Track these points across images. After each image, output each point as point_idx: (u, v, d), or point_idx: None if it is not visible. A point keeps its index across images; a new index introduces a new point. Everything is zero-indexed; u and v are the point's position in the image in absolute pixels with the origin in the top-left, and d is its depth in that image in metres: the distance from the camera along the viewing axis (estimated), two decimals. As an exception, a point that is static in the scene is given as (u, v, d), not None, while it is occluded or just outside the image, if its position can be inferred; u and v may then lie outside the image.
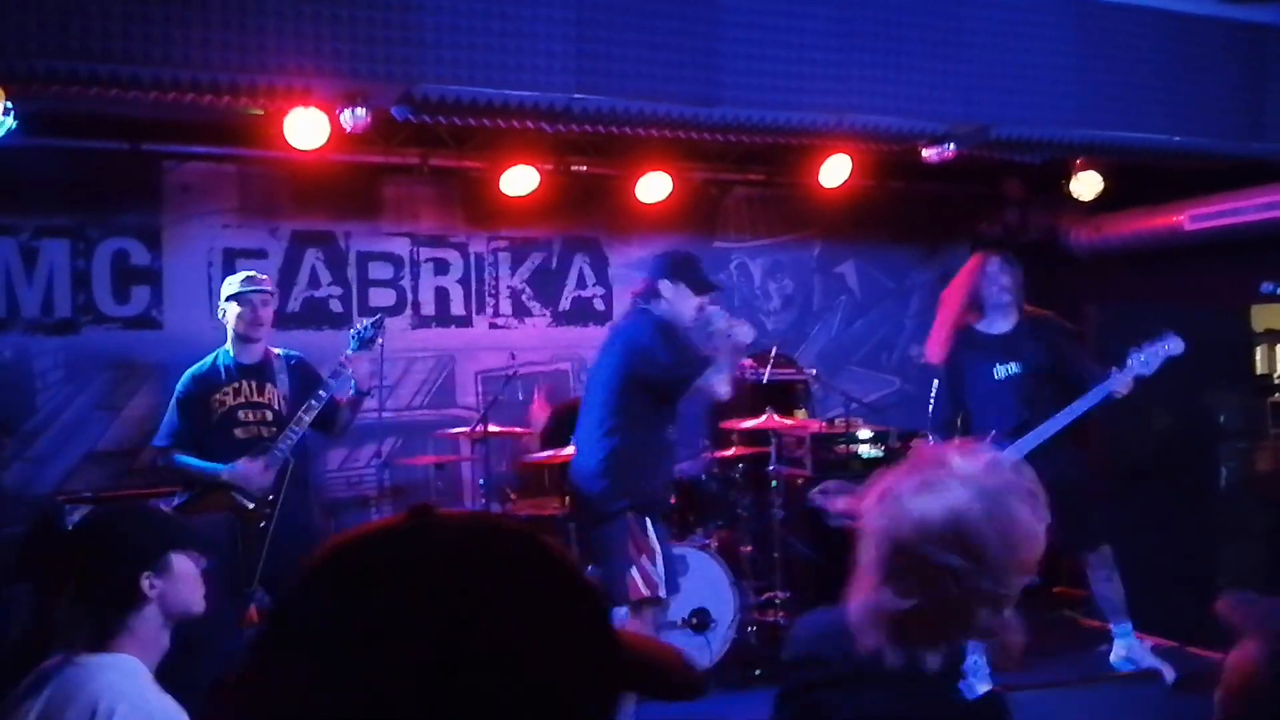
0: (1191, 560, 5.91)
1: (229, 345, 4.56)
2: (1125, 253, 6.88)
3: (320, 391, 4.40)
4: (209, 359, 4.57)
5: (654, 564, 4.08)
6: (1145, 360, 4.58)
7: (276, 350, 4.66)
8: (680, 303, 4.18)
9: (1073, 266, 7.07)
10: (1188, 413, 6.32)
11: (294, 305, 6.24)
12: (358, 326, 4.66)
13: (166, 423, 4.55)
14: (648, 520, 4.15)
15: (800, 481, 6.28)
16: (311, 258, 6.33)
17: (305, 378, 4.59)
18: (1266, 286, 4.75)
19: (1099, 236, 6.97)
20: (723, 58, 4.14)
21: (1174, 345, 4.61)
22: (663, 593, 4.15)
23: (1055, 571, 6.23)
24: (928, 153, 4.88)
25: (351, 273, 6.42)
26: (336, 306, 6.34)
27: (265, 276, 4.68)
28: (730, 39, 4.14)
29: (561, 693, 0.73)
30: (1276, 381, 8.15)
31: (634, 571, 4.05)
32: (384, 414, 6.17)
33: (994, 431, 4.78)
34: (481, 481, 5.74)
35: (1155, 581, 4.98)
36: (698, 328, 4.20)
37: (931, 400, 4.97)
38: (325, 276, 6.36)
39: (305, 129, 4.67)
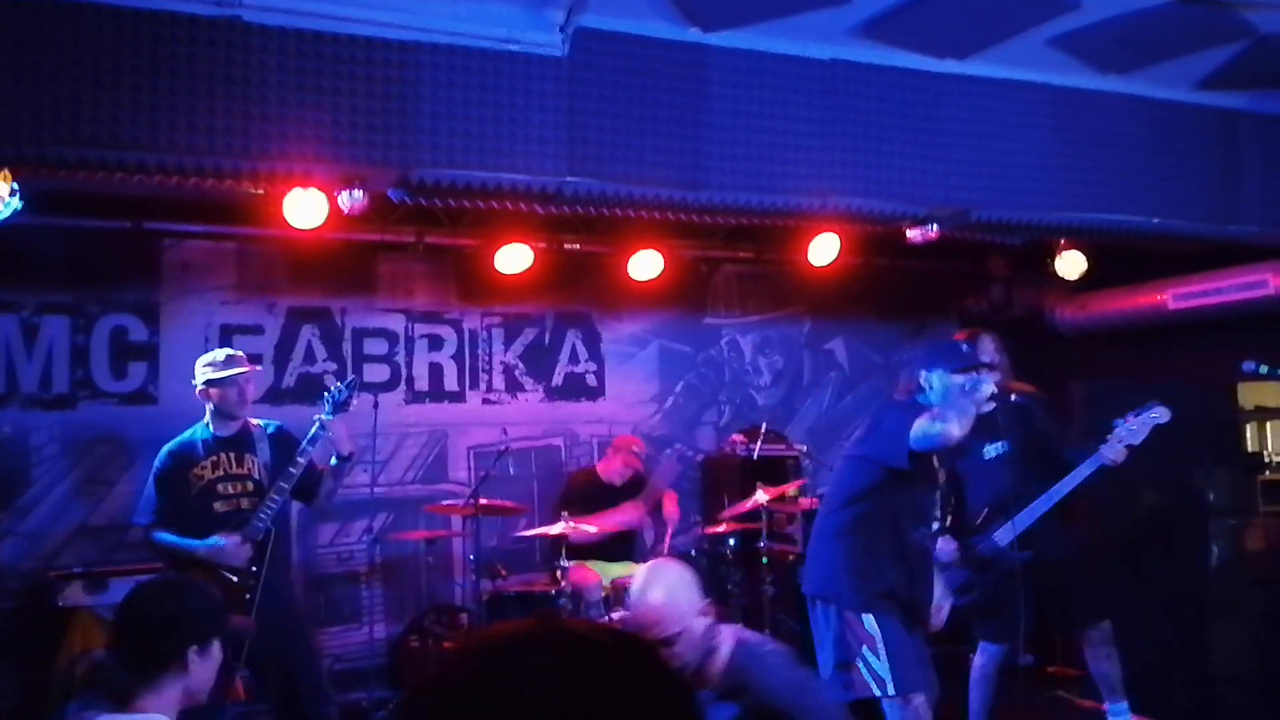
0: (1182, 639, 5.89)
1: (208, 420, 4.52)
2: (1110, 330, 6.98)
3: (298, 458, 4.37)
4: (187, 434, 4.53)
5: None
6: (1134, 429, 4.62)
7: (255, 421, 4.62)
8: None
9: (1058, 344, 7.16)
10: (1176, 491, 6.34)
11: (289, 380, 6.31)
12: (332, 389, 4.61)
13: (146, 499, 4.51)
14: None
15: (790, 558, 6.28)
16: (307, 334, 6.42)
17: (285, 446, 4.55)
18: (1248, 365, 4.80)
19: (1084, 314, 7.08)
20: (709, 143, 4.26)
21: (1160, 414, 4.66)
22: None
23: (1049, 651, 6.21)
24: (911, 233, 4.99)
25: (347, 348, 6.51)
26: (331, 381, 6.38)
27: (242, 354, 4.64)
28: (716, 125, 4.27)
29: None
30: (1267, 460, 8.20)
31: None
32: (376, 489, 6.19)
33: (986, 510, 4.82)
34: (472, 557, 5.74)
35: (1145, 661, 4.97)
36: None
37: None
38: (321, 352, 6.44)
39: (304, 209, 4.77)
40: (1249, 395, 7.58)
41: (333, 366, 6.44)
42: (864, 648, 3.93)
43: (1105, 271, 6.52)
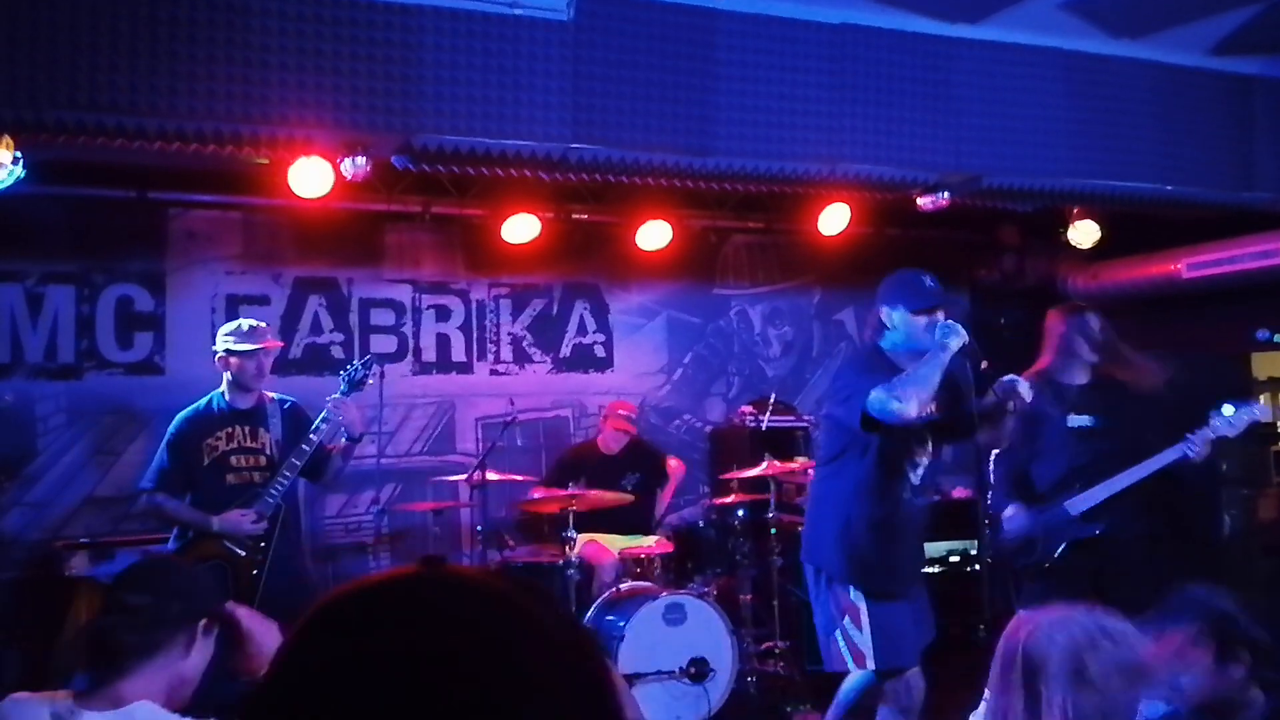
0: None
1: (224, 390, 4.50)
2: (1123, 299, 6.91)
3: (311, 436, 4.36)
4: (202, 402, 4.51)
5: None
6: (1232, 423, 4.53)
7: (271, 395, 4.59)
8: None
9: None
10: (1189, 460, 6.30)
11: (295, 351, 6.29)
12: (348, 368, 4.61)
13: (155, 465, 4.45)
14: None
15: (799, 529, 6.25)
16: (314, 304, 6.40)
17: (298, 423, 4.54)
18: (1262, 334, 4.76)
19: (1096, 283, 7.01)
20: (716, 109, 4.21)
21: (1261, 412, 4.58)
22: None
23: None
24: (922, 201, 4.94)
25: (353, 319, 6.48)
26: (338, 353, 6.39)
27: (267, 325, 4.64)
28: (724, 90, 4.22)
29: None
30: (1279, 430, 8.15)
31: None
32: (383, 460, 6.19)
33: (1058, 479, 4.74)
34: (479, 527, 5.74)
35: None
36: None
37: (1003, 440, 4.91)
38: (327, 323, 6.42)
39: (309, 178, 4.74)
40: (1263, 366, 7.52)
41: (340, 338, 6.42)
42: (846, 618, 3.88)
43: (1118, 240, 6.46)
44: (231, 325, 4.53)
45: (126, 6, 3.51)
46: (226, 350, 4.43)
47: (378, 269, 6.55)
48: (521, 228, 6.25)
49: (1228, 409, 4.52)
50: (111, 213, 5.93)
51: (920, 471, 3.92)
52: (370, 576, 0.80)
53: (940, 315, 3.78)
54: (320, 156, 4.21)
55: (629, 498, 5.73)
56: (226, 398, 4.49)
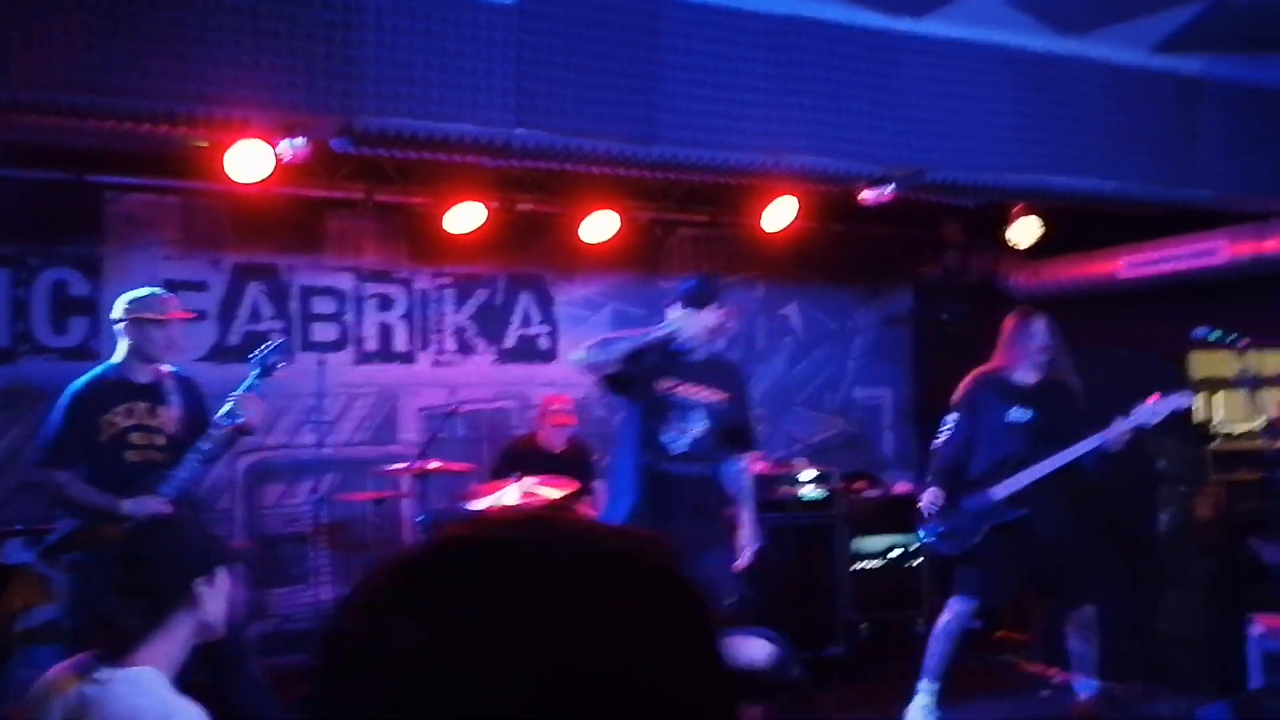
0: (1131, 605, 5.96)
1: (120, 360, 4.26)
2: (1063, 297, 6.99)
3: (218, 420, 4.19)
4: (96, 371, 4.28)
5: None
6: (1153, 412, 4.70)
7: (168, 369, 4.38)
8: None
9: (1012, 309, 7.17)
10: (1127, 458, 6.40)
11: (234, 339, 6.17)
12: (260, 351, 4.44)
13: (50, 439, 4.19)
14: None
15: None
16: (253, 291, 6.28)
17: (196, 399, 4.38)
18: (1199, 332, 4.86)
19: (1037, 281, 7.09)
20: (662, 96, 4.18)
21: (1182, 400, 4.73)
22: None
23: (997, 616, 6.26)
24: (866, 194, 4.94)
25: (294, 306, 6.38)
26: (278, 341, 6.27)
27: (175, 297, 4.45)
28: (669, 78, 4.19)
29: (679, 711, 0.67)
30: (1215, 429, 8.30)
31: None
32: (322, 450, 6.09)
33: (988, 469, 4.92)
34: (420, 518, 5.66)
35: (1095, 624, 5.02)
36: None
37: (942, 432, 5.07)
38: (267, 310, 6.31)
39: (248, 161, 4.64)
40: (1200, 365, 7.65)
41: (279, 325, 6.30)
42: None
43: (1059, 238, 6.53)
44: (137, 293, 4.32)
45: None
46: (132, 318, 4.22)
47: (319, 256, 6.44)
48: (466, 217, 6.18)
49: (1150, 399, 4.69)
50: (48, 195, 5.77)
51: (682, 441, 4.34)
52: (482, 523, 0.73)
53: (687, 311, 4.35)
54: (259, 138, 4.11)
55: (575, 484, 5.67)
56: (122, 370, 4.26)
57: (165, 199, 6.05)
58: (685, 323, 4.32)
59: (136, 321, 4.23)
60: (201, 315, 6.01)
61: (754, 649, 4.04)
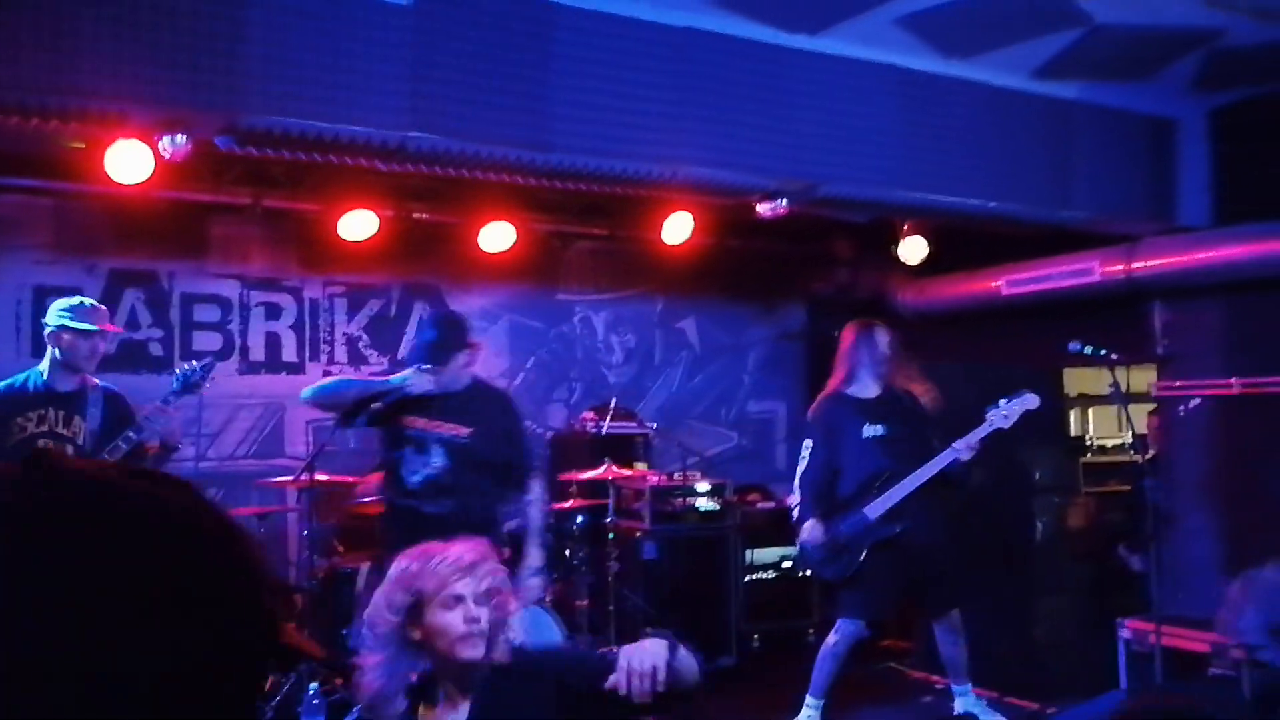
0: (1008, 611, 6.14)
1: (45, 368, 4.23)
2: (948, 314, 7.21)
3: (129, 433, 4.11)
4: (19, 377, 4.23)
5: None
6: (1005, 414, 4.83)
7: (95, 381, 4.34)
8: None
9: (900, 326, 7.32)
10: (1006, 470, 6.62)
11: (109, 347, 5.88)
12: (185, 368, 4.39)
13: None
14: None
15: (637, 534, 6.26)
16: (131, 298, 6.04)
17: (118, 414, 4.29)
18: (1074, 346, 5.04)
19: (923, 298, 7.29)
20: (557, 104, 4.16)
21: (1031, 401, 4.88)
22: None
23: (882, 625, 6.37)
24: (762, 208, 5.00)
25: (174, 314, 6.16)
26: (157, 349, 6.05)
27: (104, 308, 4.41)
28: (565, 85, 4.17)
29: (197, 665, 0.67)
30: (1088, 443, 8.65)
31: None
32: (203, 463, 5.87)
33: (857, 487, 4.95)
34: (305, 532, 5.49)
35: (973, 632, 5.15)
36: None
37: (803, 460, 5.08)
38: (145, 318, 6.08)
39: (128, 162, 4.45)
40: (1073, 382, 7.96)
41: (158, 334, 6.07)
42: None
43: (945, 257, 6.72)
44: (68, 301, 4.27)
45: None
46: (61, 326, 4.17)
47: (202, 262, 6.23)
48: (359, 224, 6.05)
49: (1002, 402, 4.84)
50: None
51: (418, 476, 4.27)
52: None
53: (430, 367, 4.25)
54: (137, 135, 3.95)
55: None
56: (46, 377, 4.21)
57: (37, 200, 5.78)
58: (419, 379, 4.21)
59: (62, 331, 4.18)
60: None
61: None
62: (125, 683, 0.64)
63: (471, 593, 2.28)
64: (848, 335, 5.21)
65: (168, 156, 3.81)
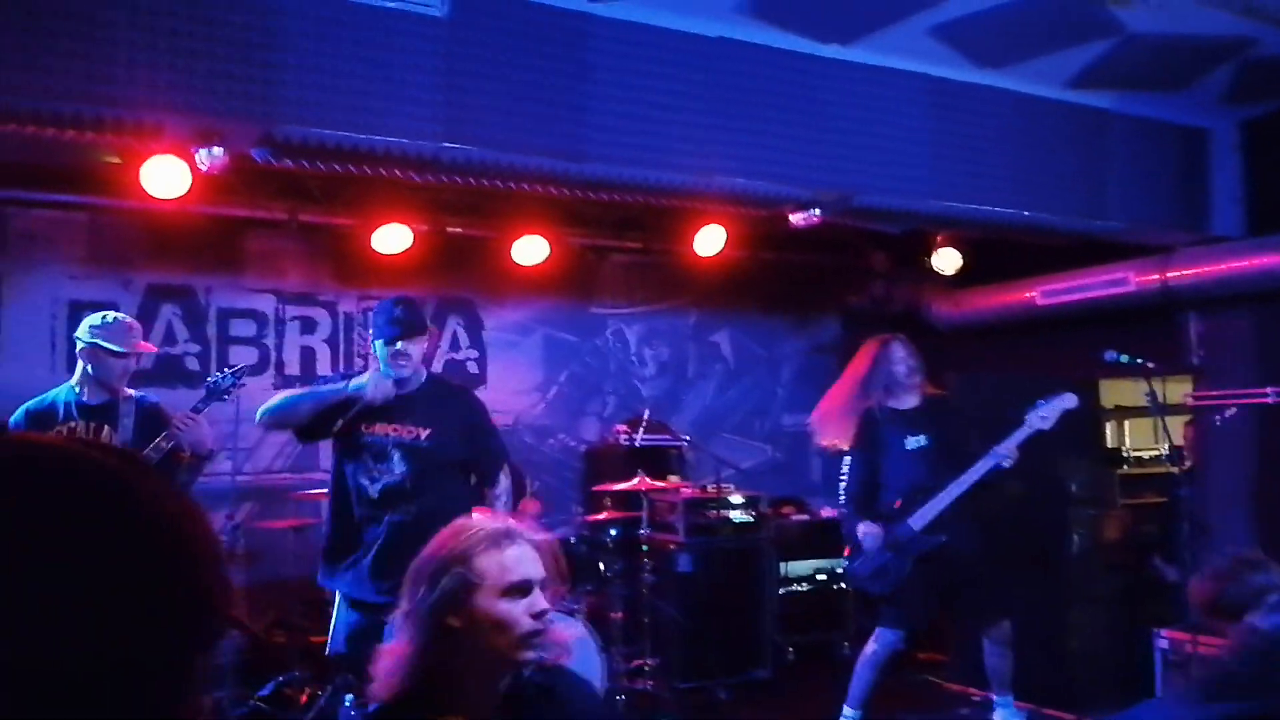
0: (1043, 622, 6.05)
1: (76, 383, 4.22)
2: (982, 326, 7.15)
3: (160, 441, 4.09)
4: (50, 394, 4.24)
5: None
6: (1044, 416, 4.78)
7: (130, 391, 4.31)
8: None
9: (934, 338, 7.30)
10: (1041, 480, 6.54)
11: (147, 361, 5.95)
12: (215, 376, 4.39)
13: None
14: None
15: (671, 547, 6.23)
16: (168, 313, 6.10)
17: (153, 424, 4.25)
18: (1109, 355, 4.98)
19: (958, 310, 7.23)
20: (592, 114, 4.17)
21: (1069, 400, 4.84)
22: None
23: (918, 637, 6.30)
24: (795, 218, 4.99)
25: (211, 329, 6.21)
26: (193, 364, 6.11)
27: (138, 324, 4.38)
28: (599, 96, 4.18)
29: (122, 645, 0.66)
30: (1125, 455, 8.53)
31: None
32: (239, 477, 5.91)
33: (900, 500, 4.89)
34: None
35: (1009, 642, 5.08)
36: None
37: (844, 474, 5.07)
38: (182, 333, 6.13)
39: (163, 176, 4.50)
40: (1109, 395, 7.87)
41: (195, 348, 6.13)
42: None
43: (979, 268, 6.68)
44: (100, 317, 4.24)
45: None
46: (94, 344, 4.15)
47: (238, 277, 6.29)
48: (393, 238, 6.08)
49: (1040, 403, 4.79)
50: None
51: (378, 485, 4.03)
52: None
53: (402, 345, 3.98)
54: (173, 145, 3.99)
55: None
56: (78, 391, 4.21)
57: (72, 215, 5.85)
58: (379, 385, 3.96)
59: (93, 349, 4.16)
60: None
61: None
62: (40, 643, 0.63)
63: (539, 581, 1.88)
64: (867, 352, 5.18)
65: (204, 169, 3.85)
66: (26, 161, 5.16)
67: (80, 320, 5.40)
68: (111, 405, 4.24)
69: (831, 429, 5.24)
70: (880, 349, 5.12)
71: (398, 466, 4.01)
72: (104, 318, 4.24)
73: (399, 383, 4.02)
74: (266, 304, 6.37)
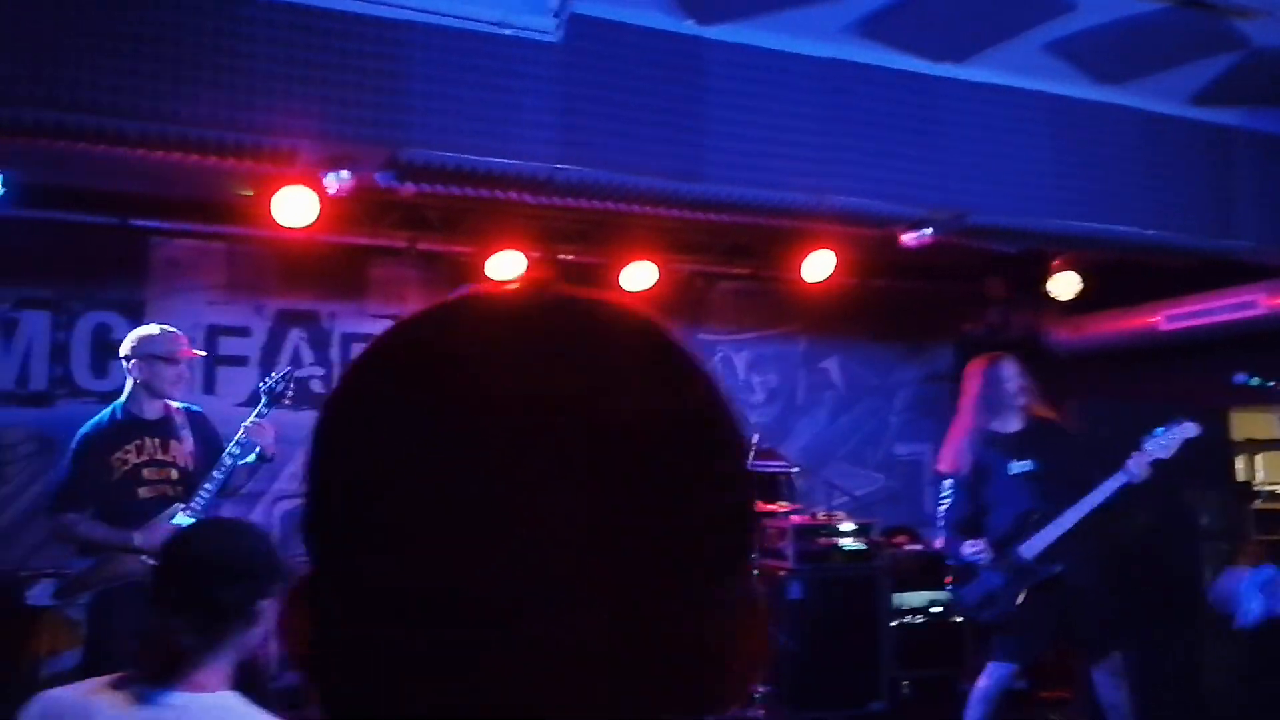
0: (1176, 660, 5.80)
1: (127, 398, 4.22)
2: (1104, 351, 6.94)
3: (230, 453, 4.17)
4: (104, 413, 4.25)
5: None
6: (1164, 444, 4.59)
7: (175, 404, 4.32)
8: None
9: (1053, 365, 7.10)
10: (1170, 513, 6.29)
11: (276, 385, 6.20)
12: (267, 381, 4.45)
13: (60, 484, 4.19)
14: None
15: (781, 573, 6.17)
16: (295, 337, 6.35)
17: (206, 433, 4.35)
18: (1239, 377, 4.79)
19: (1078, 336, 7.04)
20: (706, 135, 4.22)
21: (1190, 429, 4.63)
22: None
23: (1042, 674, 6.09)
24: (906, 237, 4.95)
25: (335, 353, 6.42)
26: (318, 386, 6.31)
27: (182, 334, 4.39)
28: (715, 117, 4.23)
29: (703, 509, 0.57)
30: (1257, 489, 8.14)
31: None
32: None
33: (1007, 526, 4.75)
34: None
35: (1139, 679, 4.88)
36: None
37: (945, 499, 4.95)
38: (308, 356, 6.37)
39: (292, 206, 4.73)
40: (1241, 427, 7.53)
41: (320, 371, 6.35)
42: None
43: (1099, 293, 6.50)
44: (146, 330, 4.31)
45: (109, 8, 3.50)
46: (147, 354, 4.19)
47: (361, 303, 6.51)
48: (508, 265, 6.22)
49: (1158, 431, 4.57)
50: (92, 239, 5.87)
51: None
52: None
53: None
54: (303, 173, 4.19)
55: None
56: (131, 407, 4.22)
57: (210, 244, 6.15)
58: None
59: (147, 359, 4.21)
60: (243, 360, 6.08)
61: None
62: None
63: None
64: (972, 373, 5.04)
65: (332, 193, 4.02)
66: (170, 195, 5.46)
67: (217, 344, 5.72)
68: (166, 419, 4.27)
69: (951, 458, 5.12)
70: (989, 366, 4.98)
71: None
72: (155, 330, 4.30)
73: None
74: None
